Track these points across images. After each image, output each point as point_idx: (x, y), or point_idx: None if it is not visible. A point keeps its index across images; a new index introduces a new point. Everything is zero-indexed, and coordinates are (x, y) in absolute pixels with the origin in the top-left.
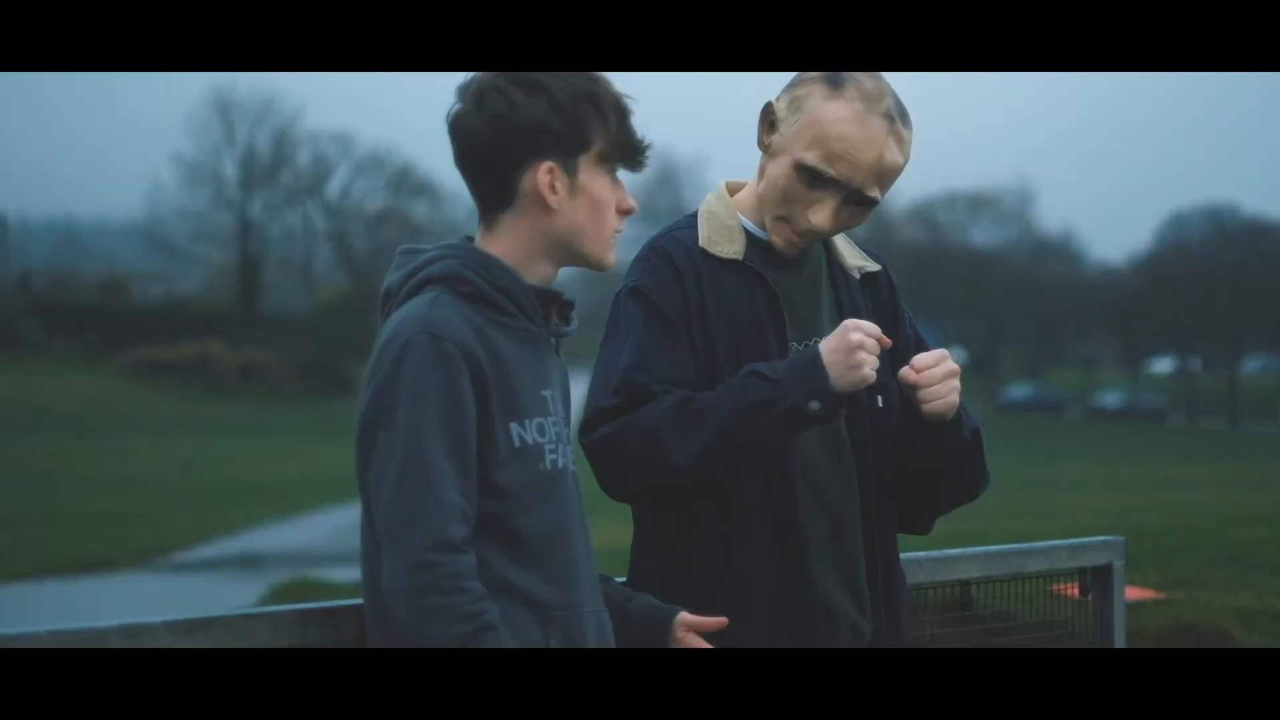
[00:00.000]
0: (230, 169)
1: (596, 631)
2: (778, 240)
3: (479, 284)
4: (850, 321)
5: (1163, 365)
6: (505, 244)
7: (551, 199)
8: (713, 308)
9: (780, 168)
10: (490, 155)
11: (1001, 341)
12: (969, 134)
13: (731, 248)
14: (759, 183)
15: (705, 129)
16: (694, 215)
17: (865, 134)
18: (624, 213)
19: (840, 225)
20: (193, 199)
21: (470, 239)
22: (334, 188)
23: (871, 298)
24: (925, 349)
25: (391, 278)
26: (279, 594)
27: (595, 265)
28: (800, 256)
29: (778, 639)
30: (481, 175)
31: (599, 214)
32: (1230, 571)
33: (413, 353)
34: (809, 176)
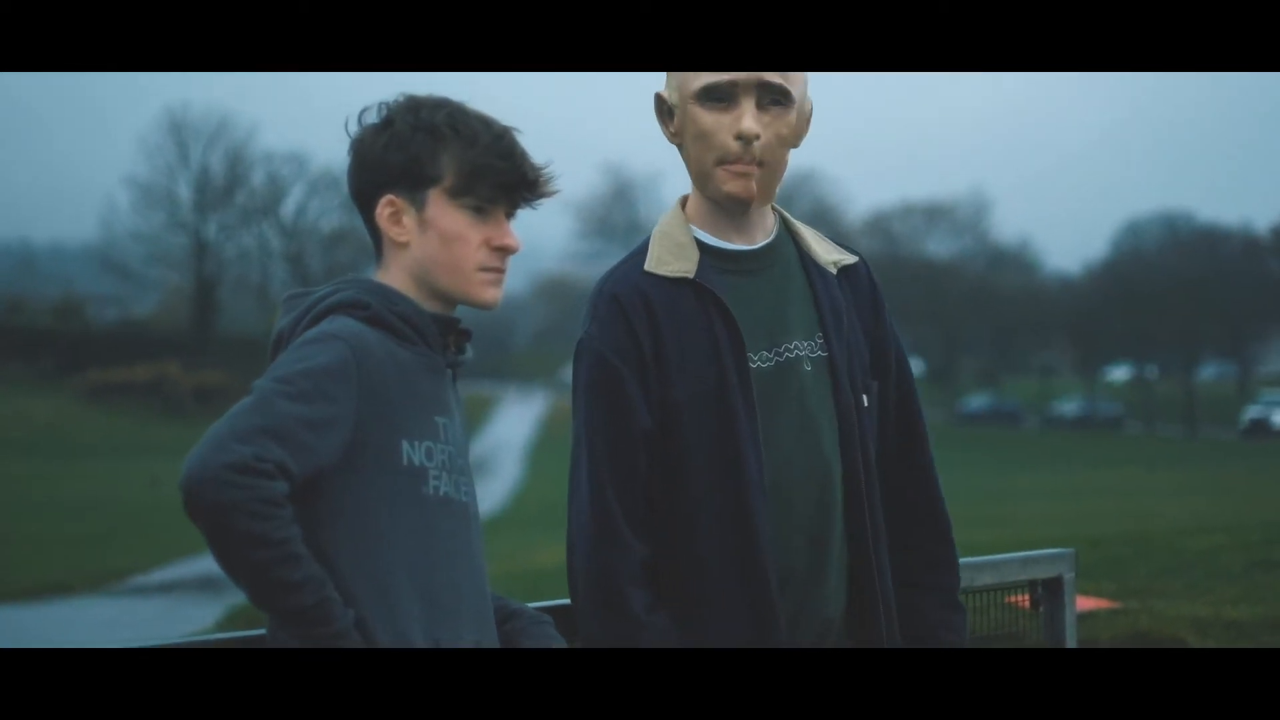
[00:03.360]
0: (184, 191)
1: None
2: (731, 188)
3: (378, 308)
4: None
5: (1119, 373)
6: (391, 278)
7: (395, 232)
8: (667, 338)
9: (689, 122)
10: (354, 194)
11: (958, 352)
12: (924, 144)
13: (681, 265)
14: (691, 173)
15: (660, 145)
16: (649, 239)
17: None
18: (498, 249)
19: (771, 132)
20: (147, 221)
21: (357, 276)
22: (289, 208)
23: (851, 290)
24: (903, 355)
25: (282, 322)
26: (237, 616)
27: (466, 302)
28: (760, 258)
29: (736, 633)
30: (359, 214)
31: (449, 248)
32: (1185, 580)
33: (317, 341)
34: (712, 98)
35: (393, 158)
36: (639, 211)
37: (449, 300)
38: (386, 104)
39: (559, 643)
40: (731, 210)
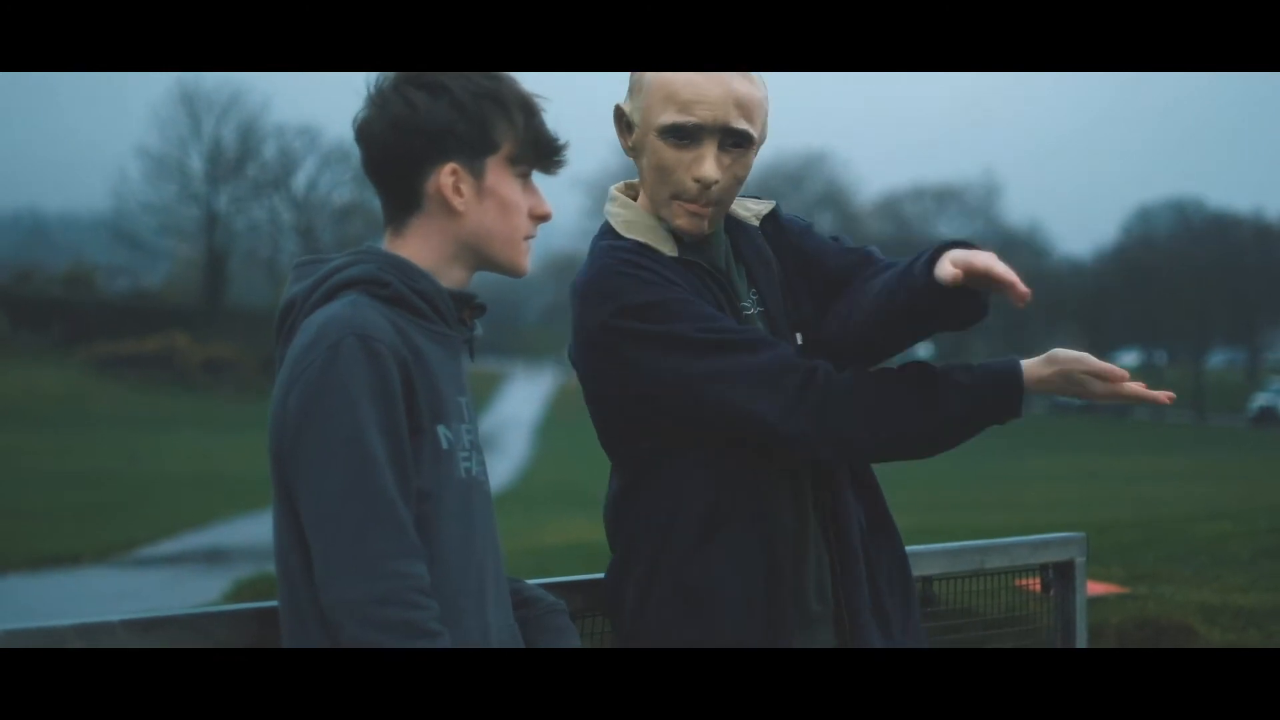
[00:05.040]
0: (196, 162)
1: (510, 643)
2: (682, 224)
3: (398, 286)
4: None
5: (1129, 359)
6: (414, 248)
7: (456, 201)
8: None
9: (649, 150)
10: (394, 159)
11: (968, 336)
12: (935, 127)
13: (665, 247)
14: (642, 185)
15: None
16: (607, 229)
17: (706, 75)
18: (538, 218)
19: (730, 174)
20: (159, 192)
21: (374, 247)
22: (300, 181)
23: (775, 235)
24: (844, 243)
25: (294, 289)
26: (243, 588)
27: (508, 270)
28: (712, 236)
29: (755, 614)
30: (388, 180)
31: (508, 217)
32: (1193, 566)
33: (343, 354)
34: (675, 136)
35: (457, 125)
36: None
37: (492, 269)
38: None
39: (572, 632)
40: None
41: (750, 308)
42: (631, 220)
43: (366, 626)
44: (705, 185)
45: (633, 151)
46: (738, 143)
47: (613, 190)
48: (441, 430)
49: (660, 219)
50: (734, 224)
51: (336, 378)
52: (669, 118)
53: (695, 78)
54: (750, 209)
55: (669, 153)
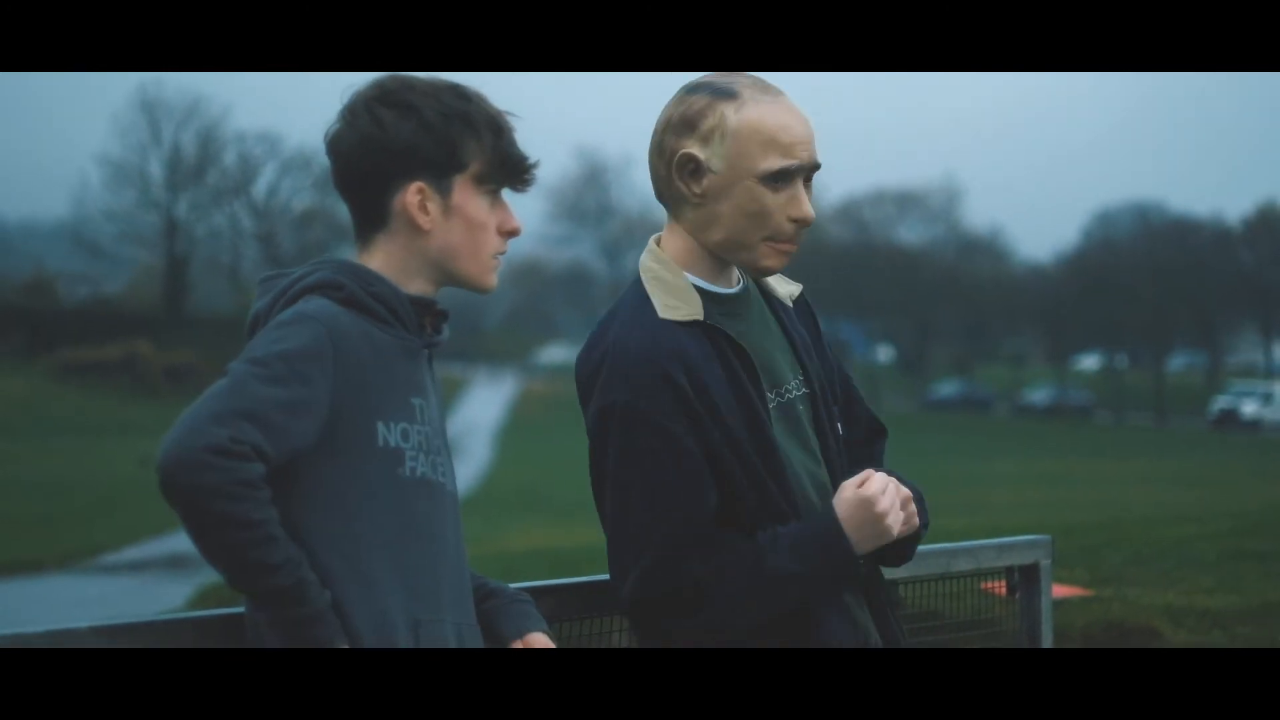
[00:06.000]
0: (156, 169)
1: (470, 640)
2: (771, 263)
3: (353, 289)
4: (871, 491)
5: (1090, 362)
6: (379, 263)
7: (422, 220)
8: (708, 382)
9: (740, 196)
10: (361, 175)
11: (929, 339)
12: (897, 132)
13: (689, 309)
14: (702, 230)
15: (632, 129)
16: (636, 285)
17: (793, 113)
18: (507, 234)
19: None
20: (119, 200)
21: (333, 256)
22: (261, 187)
23: (804, 318)
24: (843, 362)
25: (258, 304)
26: (207, 595)
27: (474, 287)
28: (743, 301)
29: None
30: (354, 195)
31: (474, 235)
32: (1158, 568)
33: (286, 324)
34: (776, 180)
35: (424, 145)
36: (610, 195)
37: (458, 285)
38: (382, 85)
39: (538, 621)
40: (721, 258)
41: (793, 390)
42: (660, 277)
43: (189, 469)
44: (805, 224)
45: (701, 198)
46: (810, 176)
47: (651, 241)
48: (380, 428)
49: (695, 276)
50: (777, 303)
51: (272, 335)
52: (774, 163)
53: (782, 117)
54: (784, 290)
55: (771, 198)
